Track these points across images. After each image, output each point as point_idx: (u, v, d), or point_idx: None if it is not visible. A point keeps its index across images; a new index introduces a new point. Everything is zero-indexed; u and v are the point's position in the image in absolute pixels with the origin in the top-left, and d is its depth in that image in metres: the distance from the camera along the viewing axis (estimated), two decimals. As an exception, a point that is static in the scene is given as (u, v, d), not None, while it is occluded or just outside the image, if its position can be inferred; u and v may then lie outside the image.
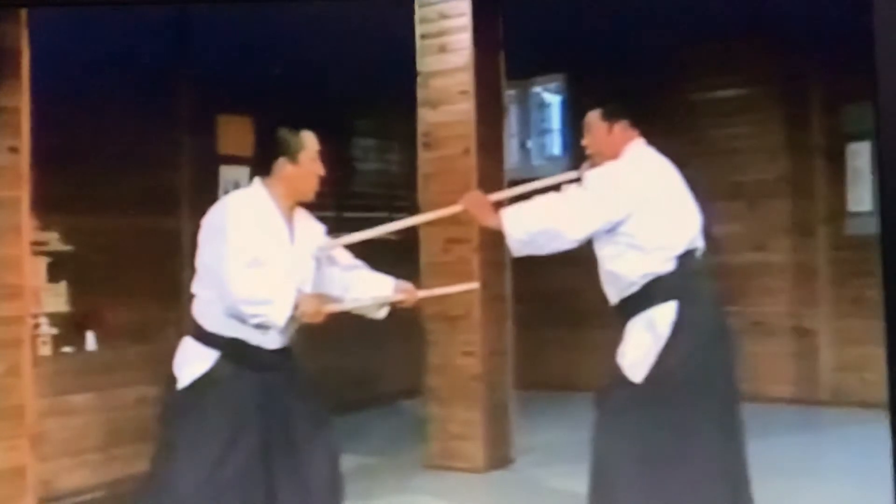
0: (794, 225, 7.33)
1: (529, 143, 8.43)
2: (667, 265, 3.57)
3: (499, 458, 5.64)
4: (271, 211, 3.25)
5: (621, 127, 3.72)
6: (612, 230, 3.57)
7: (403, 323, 6.52)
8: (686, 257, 3.61)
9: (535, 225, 3.58)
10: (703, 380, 3.57)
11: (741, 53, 7.24)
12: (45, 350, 4.83)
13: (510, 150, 6.86)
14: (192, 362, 3.20)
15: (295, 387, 3.33)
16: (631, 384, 3.57)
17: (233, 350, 3.18)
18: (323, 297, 3.24)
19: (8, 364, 3.57)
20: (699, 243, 3.67)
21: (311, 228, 3.40)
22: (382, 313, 3.49)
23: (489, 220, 3.67)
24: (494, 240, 5.70)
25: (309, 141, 3.31)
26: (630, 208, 3.55)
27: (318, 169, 3.32)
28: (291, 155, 3.27)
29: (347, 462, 5.84)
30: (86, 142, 5.46)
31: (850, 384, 6.84)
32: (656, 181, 3.65)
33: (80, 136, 5.40)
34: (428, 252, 5.78)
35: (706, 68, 7.44)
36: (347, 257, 3.51)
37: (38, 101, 3.83)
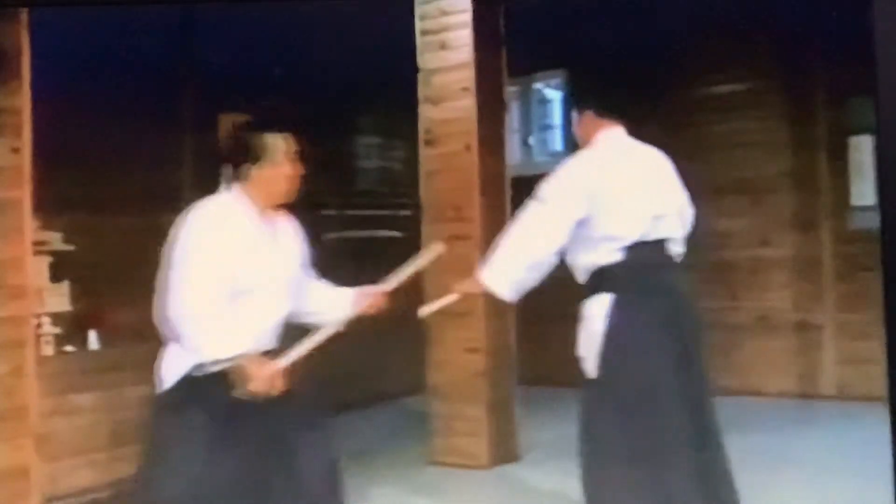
0: (798, 219, 7.32)
1: (531, 140, 8.42)
2: (612, 256, 3.60)
3: (503, 454, 5.63)
4: (247, 216, 3.15)
5: (589, 116, 3.78)
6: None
7: (406, 320, 6.53)
8: (638, 248, 3.59)
9: (516, 271, 3.65)
10: (653, 374, 3.55)
11: (743, 48, 7.22)
12: (48, 350, 4.83)
13: (512, 146, 6.85)
14: (174, 363, 3.11)
15: (288, 388, 3.18)
16: (587, 380, 3.62)
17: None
18: (271, 365, 3.05)
19: (11, 364, 3.56)
20: (666, 233, 3.65)
21: (294, 234, 3.32)
22: (338, 328, 3.38)
23: (480, 289, 3.79)
24: (496, 237, 5.70)
25: (280, 142, 3.22)
26: (587, 207, 3.60)
27: (293, 170, 3.23)
28: (262, 158, 3.18)
29: (351, 459, 5.86)
30: (88, 141, 5.46)
31: (854, 378, 6.83)
32: (610, 172, 3.66)
33: (81, 135, 5.39)
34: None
35: (708, 63, 7.42)
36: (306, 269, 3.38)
37: (40, 101, 3.82)
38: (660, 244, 3.65)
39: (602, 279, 3.62)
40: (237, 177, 3.19)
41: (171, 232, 3.13)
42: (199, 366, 3.03)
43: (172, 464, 3.06)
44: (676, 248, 3.71)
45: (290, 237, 3.29)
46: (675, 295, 3.67)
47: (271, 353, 3.13)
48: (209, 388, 3.07)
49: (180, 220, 3.11)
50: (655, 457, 3.53)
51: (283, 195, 3.25)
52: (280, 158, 3.21)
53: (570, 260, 3.69)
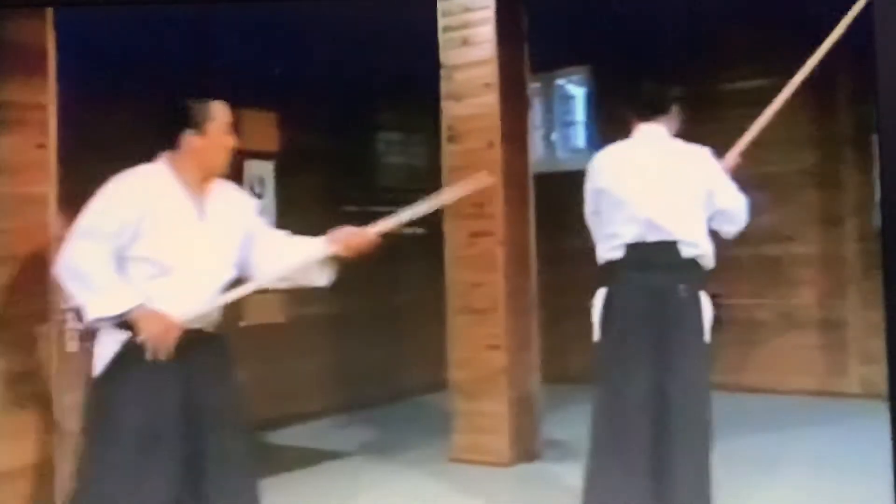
0: (823, 216, 7.27)
1: (554, 136, 8.40)
2: (614, 252, 3.75)
3: (525, 452, 5.62)
4: (173, 188, 3.05)
5: (628, 118, 3.90)
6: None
7: (428, 316, 6.54)
8: (637, 248, 3.70)
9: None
10: (618, 367, 3.70)
11: (767, 43, 7.17)
12: (72, 345, 4.85)
13: (534, 142, 6.84)
14: (103, 346, 3.04)
15: (214, 375, 3.10)
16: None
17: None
18: (164, 317, 2.95)
19: (35, 359, 3.59)
20: (669, 236, 3.70)
21: (232, 203, 3.19)
22: (324, 278, 3.23)
23: None
24: (519, 233, 5.70)
25: (218, 111, 3.12)
26: (596, 202, 3.83)
27: (228, 141, 3.12)
28: (199, 126, 3.07)
29: (373, 455, 5.88)
30: (111, 138, 5.48)
31: (878, 376, 6.76)
32: (616, 170, 3.80)
33: (105, 132, 5.42)
34: (453, 246, 5.78)
35: (732, 59, 7.38)
36: (262, 230, 3.26)
37: (65, 98, 3.84)
38: (662, 245, 3.69)
39: (603, 273, 3.79)
40: (170, 146, 3.09)
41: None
42: (98, 320, 2.95)
43: (107, 451, 2.97)
44: (689, 250, 3.71)
45: (223, 209, 3.14)
46: (663, 295, 3.69)
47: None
48: (136, 370, 2.98)
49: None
50: (614, 448, 3.70)
51: (218, 167, 3.14)
52: (223, 128, 3.11)
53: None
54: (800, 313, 7.27)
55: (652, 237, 3.69)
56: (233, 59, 6.00)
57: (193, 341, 3.02)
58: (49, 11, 3.64)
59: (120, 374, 3.00)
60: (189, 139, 3.08)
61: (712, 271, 3.82)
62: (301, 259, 3.18)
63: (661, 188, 3.71)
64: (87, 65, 4.67)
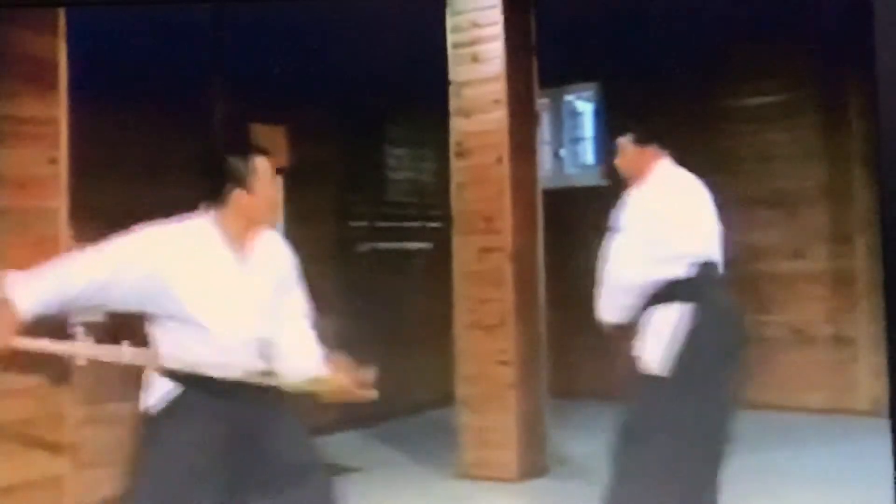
0: (833, 232, 7.25)
1: (562, 152, 8.41)
2: (680, 270, 3.78)
3: (533, 467, 5.61)
4: (215, 243, 3.04)
5: (652, 150, 3.95)
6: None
7: (436, 331, 6.54)
8: (702, 265, 3.80)
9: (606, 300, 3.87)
10: (702, 404, 3.77)
11: (777, 58, 7.19)
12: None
13: (543, 158, 6.84)
14: (153, 390, 3.04)
15: (274, 419, 3.10)
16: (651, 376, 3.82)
17: (191, 380, 2.99)
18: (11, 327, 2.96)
19: (46, 374, 3.58)
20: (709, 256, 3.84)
21: (273, 256, 3.17)
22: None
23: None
24: (528, 249, 5.71)
25: (260, 164, 3.08)
26: (659, 232, 3.81)
27: (274, 192, 3.15)
28: (244, 182, 3.04)
29: (380, 470, 5.86)
30: (121, 152, 5.50)
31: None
32: (671, 199, 3.89)
33: (115, 146, 5.44)
34: (461, 261, 5.78)
35: (742, 74, 7.39)
36: (293, 312, 3.24)
37: (76, 111, 3.86)
38: (712, 265, 3.85)
39: (667, 292, 3.74)
40: (215, 200, 3.07)
41: None
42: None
43: (151, 494, 2.97)
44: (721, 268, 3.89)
45: (265, 262, 3.13)
46: (737, 316, 3.94)
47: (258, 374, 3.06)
48: (184, 417, 2.98)
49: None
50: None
51: (265, 219, 3.15)
52: (265, 182, 3.09)
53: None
54: (810, 329, 7.25)
55: (710, 256, 3.84)
56: (242, 72, 6.02)
57: (237, 385, 3.01)
58: (60, 24, 3.65)
59: (168, 416, 2.99)
60: (237, 196, 3.05)
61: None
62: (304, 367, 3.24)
63: (704, 211, 3.91)
64: (98, 79, 4.70)
